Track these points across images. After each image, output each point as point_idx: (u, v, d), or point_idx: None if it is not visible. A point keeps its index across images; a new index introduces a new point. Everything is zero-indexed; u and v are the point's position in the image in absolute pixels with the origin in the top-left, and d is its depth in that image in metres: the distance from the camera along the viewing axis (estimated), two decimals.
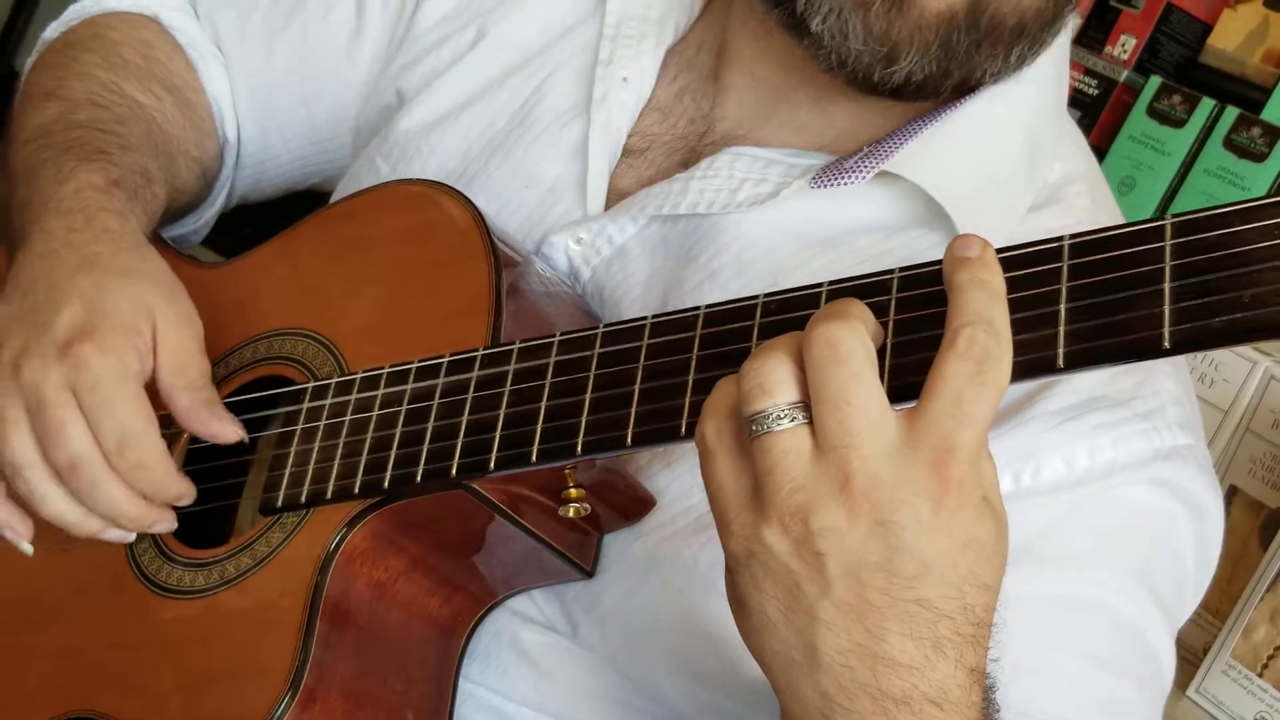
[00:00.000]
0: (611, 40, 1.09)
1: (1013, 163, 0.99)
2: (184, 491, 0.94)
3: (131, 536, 0.95)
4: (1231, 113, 1.65)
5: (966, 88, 0.98)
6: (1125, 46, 1.78)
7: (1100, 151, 1.75)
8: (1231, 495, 1.51)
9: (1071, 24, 1.04)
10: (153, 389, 0.94)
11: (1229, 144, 1.64)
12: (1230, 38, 1.76)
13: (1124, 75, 1.76)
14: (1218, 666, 1.44)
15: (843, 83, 0.97)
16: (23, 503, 0.94)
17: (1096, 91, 1.78)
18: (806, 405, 0.69)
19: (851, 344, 0.67)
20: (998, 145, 0.99)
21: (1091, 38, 1.81)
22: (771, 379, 0.69)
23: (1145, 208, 1.69)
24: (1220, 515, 0.96)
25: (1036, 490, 0.89)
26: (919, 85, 0.95)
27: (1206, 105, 1.67)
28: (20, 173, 1.07)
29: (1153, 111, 1.71)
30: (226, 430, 0.95)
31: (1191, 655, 1.44)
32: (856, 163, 0.96)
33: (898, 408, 0.69)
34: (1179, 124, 1.68)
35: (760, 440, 0.69)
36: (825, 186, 0.96)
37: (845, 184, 0.95)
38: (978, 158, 0.97)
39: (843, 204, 0.97)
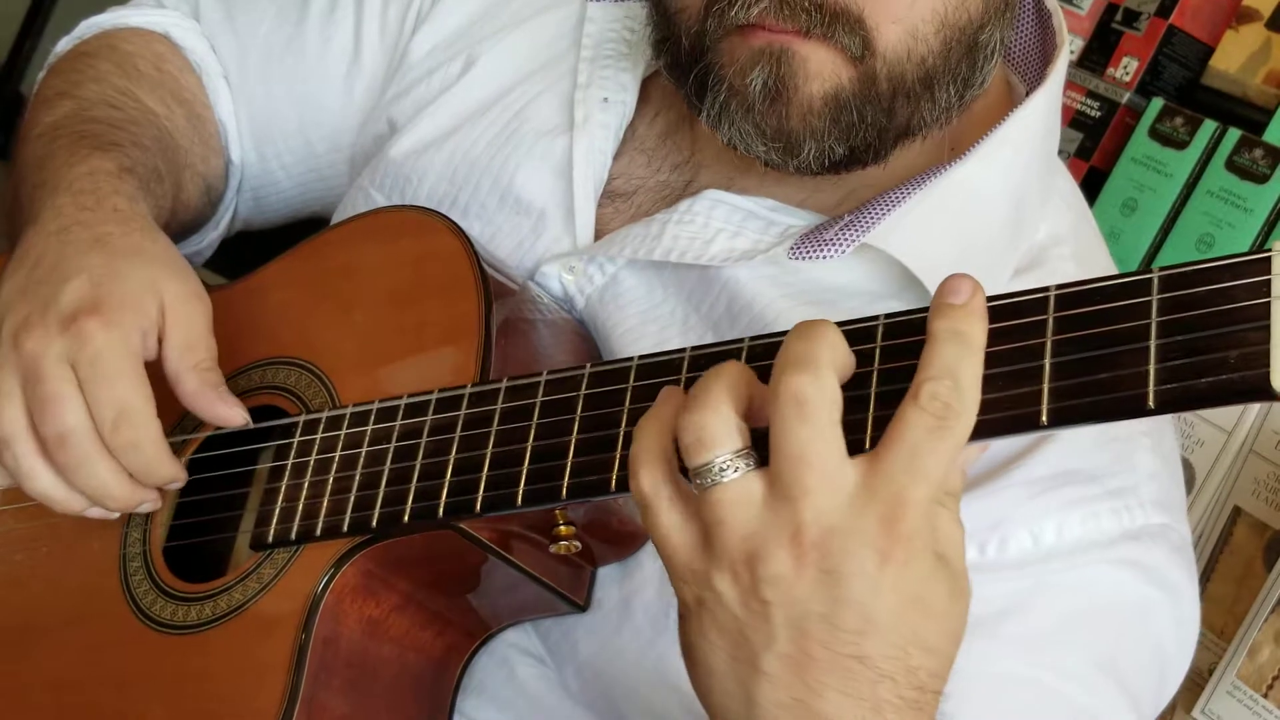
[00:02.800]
0: (590, 63, 1.09)
1: (997, 229, 0.97)
2: (175, 475, 0.93)
3: (114, 515, 0.94)
4: (1234, 135, 1.65)
5: (911, 134, 0.96)
6: (1127, 68, 1.78)
7: (1102, 174, 1.75)
8: (1235, 516, 1.51)
9: (1069, 54, 1.02)
10: (156, 375, 0.93)
11: (1231, 166, 1.64)
12: (1232, 59, 1.76)
13: (1126, 97, 1.76)
14: (1223, 687, 1.43)
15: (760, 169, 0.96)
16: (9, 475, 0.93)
17: (1099, 114, 1.78)
18: (749, 450, 0.69)
19: (818, 401, 0.67)
20: (982, 213, 0.97)
21: (1093, 60, 1.81)
22: (710, 432, 0.69)
23: (1148, 230, 1.69)
24: (1194, 594, 0.94)
25: (1000, 563, 0.87)
26: (846, 159, 0.94)
27: (1209, 127, 1.66)
28: (32, 162, 1.07)
29: (1155, 133, 1.71)
30: (233, 414, 0.94)
31: (1197, 676, 1.44)
32: (837, 234, 0.93)
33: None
34: (1181, 146, 1.68)
35: (707, 493, 0.68)
36: (804, 259, 0.94)
37: (825, 257, 0.93)
38: (960, 227, 0.95)
39: (826, 267, 0.95)
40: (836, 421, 0.67)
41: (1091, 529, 0.88)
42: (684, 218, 1.00)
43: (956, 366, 0.67)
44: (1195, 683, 1.43)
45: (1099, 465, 0.90)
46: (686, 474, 0.70)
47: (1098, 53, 1.81)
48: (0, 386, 0.91)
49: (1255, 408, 1.54)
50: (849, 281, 0.96)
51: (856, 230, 0.93)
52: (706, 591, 0.70)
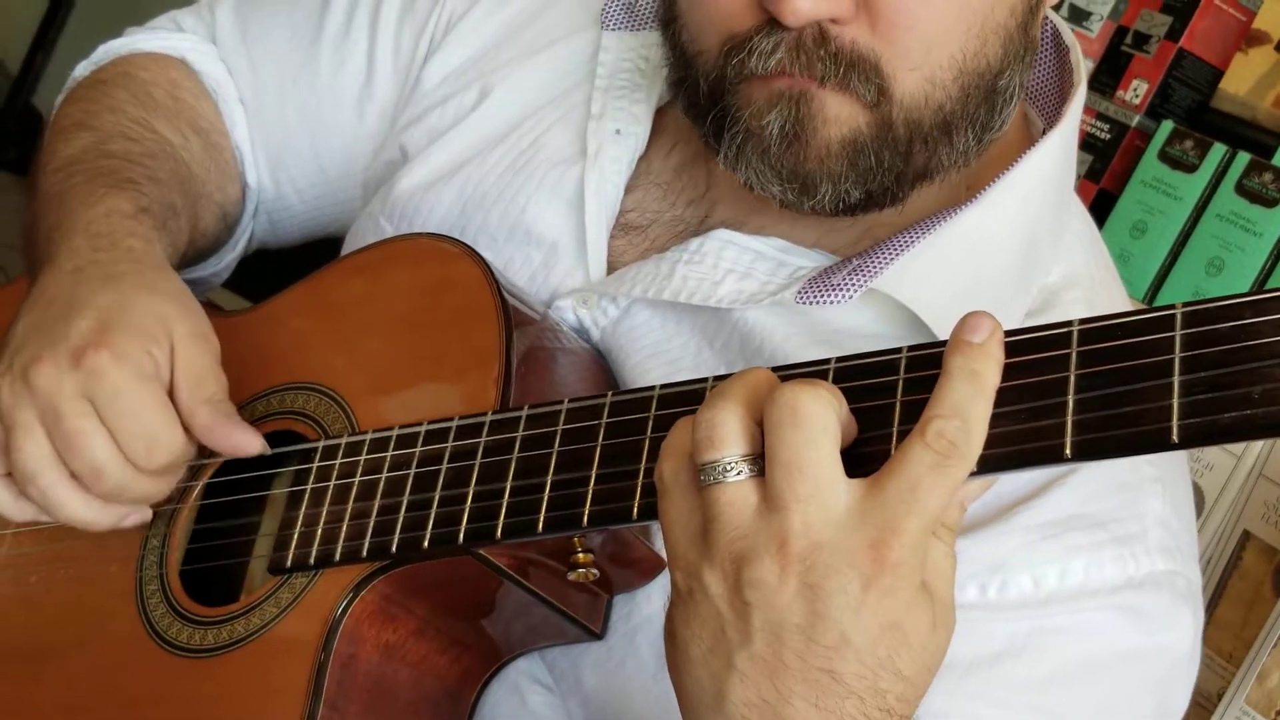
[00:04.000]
0: (603, 93, 1.09)
1: (1004, 274, 0.97)
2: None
3: (149, 514, 0.96)
4: (1243, 158, 1.65)
5: (929, 176, 0.96)
6: (1137, 91, 1.78)
7: (1112, 196, 1.76)
8: (1245, 541, 1.51)
9: (1079, 103, 1.01)
10: None
11: (1241, 189, 1.65)
12: (1242, 82, 1.76)
13: (1136, 120, 1.77)
14: (1232, 713, 1.43)
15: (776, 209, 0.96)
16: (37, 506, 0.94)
17: (1108, 136, 1.79)
18: (755, 457, 0.70)
19: (811, 409, 0.68)
20: (992, 258, 0.96)
21: (1103, 82, 1.81)
22: (720, 432, 0.71)
23: (1157, 253, 1.69)
24: (1196, 642, 0.93)
25: (1001, 605, 0.87)
26: (862, 202, 0.94)
27: (1218, 151, 1.67)
28: (49, 198, 1.08)
29: (1164, 156, 1.71)
30: (251, 441, 0.95)
31: (1206, 701, 1.44)
32: (844, 279, 0.93)
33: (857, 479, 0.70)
34: (1191, 169, 1.68)
35: (709, 490, 0.71)
36: (811, 304, 0.94)
37: (831, 302, 0.93)
38: (967, 272, 0.95)
39: (835, 310, 0.95)
40: (831, 433, 0.69)
41: (1094, 576, 0.88)
42: (693, 257, 0.99)
43: (967, 406, 0.68)
44: (1204, 708, 1.43)
45: (1106, 511, 0.90)
46: None
47: (1108, 75, 1.81)
48: (17, 422, 0.92)
49: None
50: (858, 324, 0.96)
51: (863, 275, 0.93)
52: (695, 582, 0.72)
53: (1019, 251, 0.97)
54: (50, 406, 0.91)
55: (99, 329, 0.92)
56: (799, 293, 0.94)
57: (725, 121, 0.93)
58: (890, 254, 0.94)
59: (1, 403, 0.92)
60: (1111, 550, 0.89)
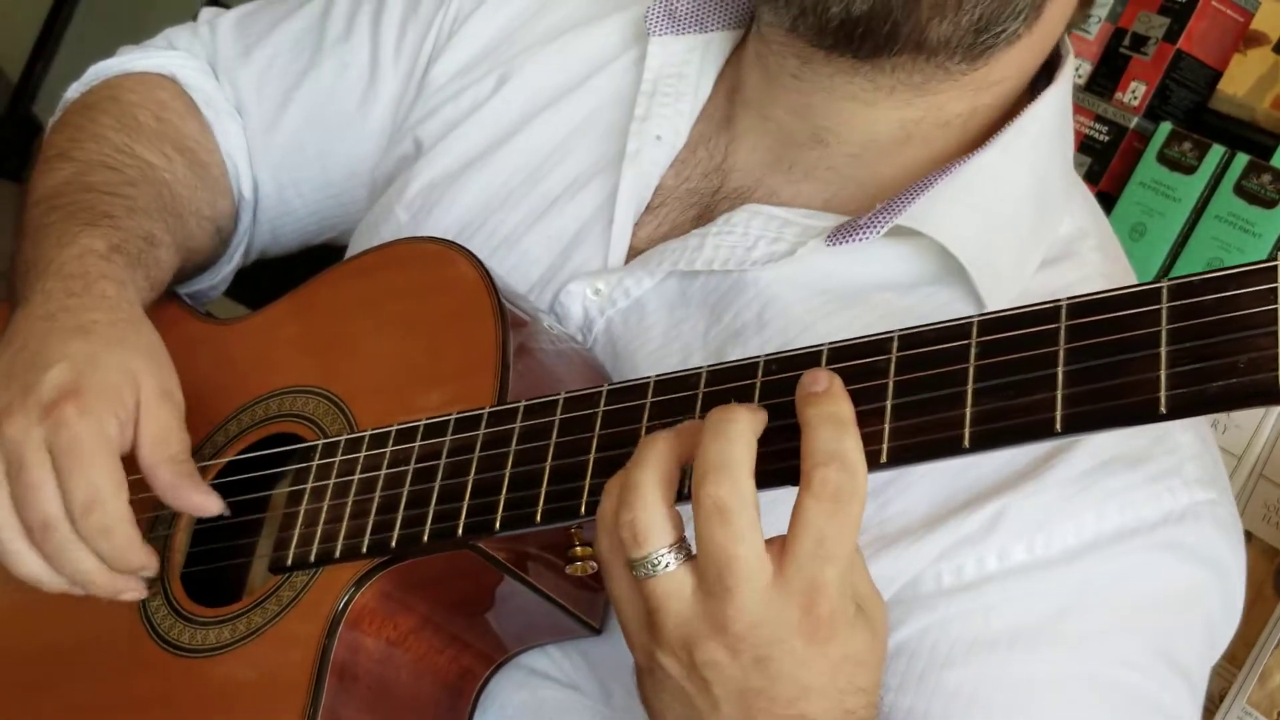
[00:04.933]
0: (649, 97, 1.10)
1: (1024, 214, 0.99)
2: (146, 563, 0.95)
3: (108, 592, 0.96)
4: (1241, 159, 1.66)
5: (923, 53, 0.97)
6: (1135, 93, 1.79)
7: (1111, 198, 1.76)
8: (1245, 541, 1.51)
9: (1075, 72, 1.04)
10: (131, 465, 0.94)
11: (1239, 190, 1.65)
12: (1240, 83, 1.77)
13: (1134, 122, 1.77)
14: (1234, 713, 1.44)
15: (824, 62, 0.98)
16: None
17: (1107, 138, 1.79)
18: (680, 541, 0.74)
19: (736, 508, 0.71)
20: (1008, 197, 0.99)
21: (1101, 84, 1.82)
22: (643, 528, 0.74)
23: (1156, 254, 1.69)
24: (1241, 567, 0.95)
25: (1048, 560, 0.89)
26: (866, 26, 0.94)
27: (1216, 152, 1.67)
28: (29, 232, 1.09)
29: (1163, 158, 1.71)
30: (209, 503, 0.96)
31: (1208, 702, 1.44)
32: (870, 219, 0.96)
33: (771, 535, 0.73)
34: (1189, 170, 1.69)
35: (645, 583, 0.74)
36: (840, 244, 0.96)
37: (860, 239, 0.95)
38: (988, 209, 0.97)
39: (859, 262, 0.97)
40: (754, 522, 0.72)
41: (1130, 517, 0.89)
42: (723, 229, 1.01)
43: (839, 448, 0.71)
44: (1207, 709, 1.43)
45: (1140, 449, 0.91)
46: None
47: (1106, 77, 1.82)
48: None
49: (1265, 431, 1.54)
50: (883, 273, 0.98)
51: (888, 214, 0.95)
52: (653, 662, 0.77)
53: (1032, 194, 1.00)
54: (16, 457, 0.92)
55: (70, 382, 0.93)
56: (829, 237, 0.96)
57: None
58: (911, 196, 0.96)
59: None
60: (1146, 489, 0.90)
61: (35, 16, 3.24)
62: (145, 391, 0.95)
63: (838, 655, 0.74)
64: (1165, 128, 1.72)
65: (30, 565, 0.94)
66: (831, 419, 0.72)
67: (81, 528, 0.92)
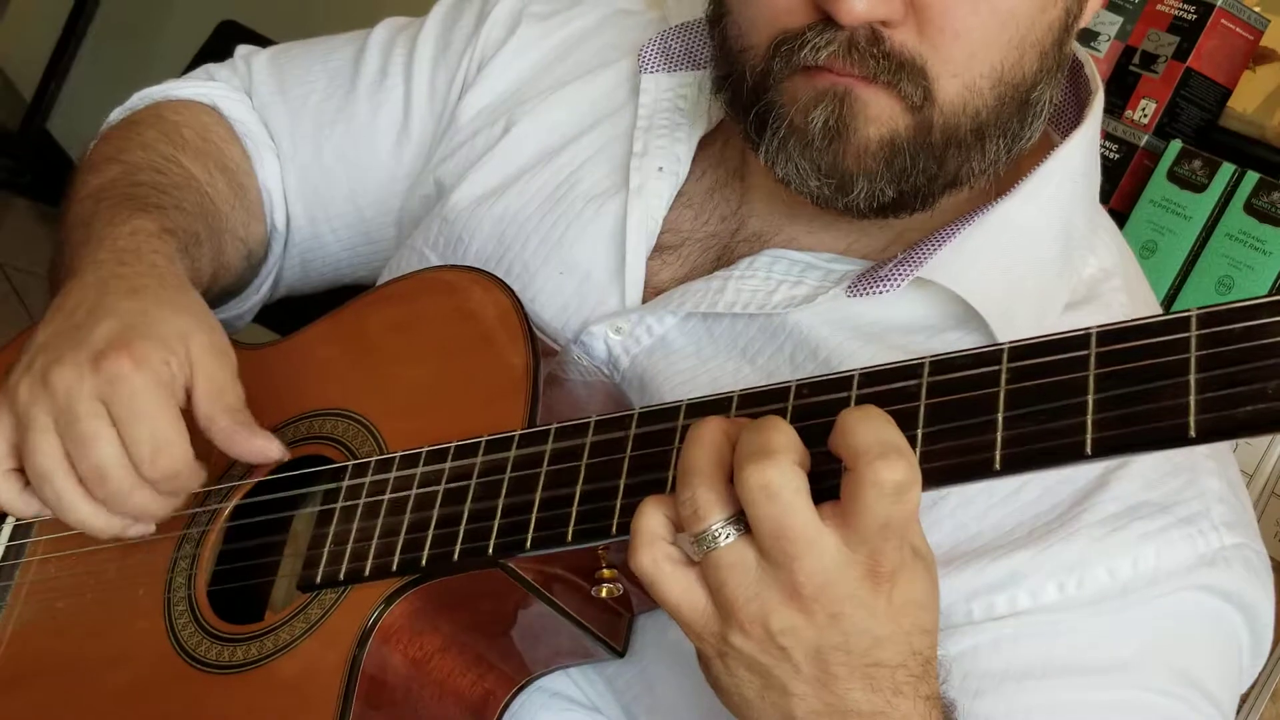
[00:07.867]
0: (645, 131, 1.11)
1: (1047, 262, 1.00)
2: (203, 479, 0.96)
3: (153, 528, 0.97)
4: (1252, 178, 1.66)
5: (959, 184, 0.99)
6: (1145, 111, 1.79)
7: (1121, 216, 1.76)
8: None
9: (1099, 107, 1.04)
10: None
11: (1250, 208, 1.65)
12: (1250, 100, 1.77)
13: (1144, 140, 1.78)
14: None
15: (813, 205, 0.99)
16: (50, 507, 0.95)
17: (1117, 156, 1.79)
18: (737, 515, 0.75)
19: (780, 482, 0.73)
20: (1031, 246, 0.99)
21: (1111, 103, 1.82)
22: (702, 507, 0.75)
23: (1167, 272, 1.70)
24: (1270, 608, 0.96)
25: (1080, 600, 0.90)
26: (894, 203, 0.97)
27: (1227, 170, 1.68)
28: (76, 223, 1.10)
29: (1173, 176, 1.72)
30: (271, 447, 0.96)
31: None
32: (892, 270, 0.96)
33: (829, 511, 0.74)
34: (1200, 189, 1.69)
35: (709, 556, 0.75)
36: (861, 295, 0.97)
37: (881, 293, 0.96)
38: (1011, 259, 0.98)
39: (884, 304, 0.98)
40: (803, 491, 0.73)
41: (1166, 559, 0.90)
42: (745, 273, 1.02)
43: (890, 437, 0.72)
44: None
45: (1169, 494, 0.92)
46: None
47: (1115, 95, 1.82)
48: (34, 422, 0.93)
49: (1277, 449, 1.54)
50: (909, 317, 0.98)
51: (910, 266, 0.96)
52: (725, 646, 0.77)
53: (1057, 240, 1.01)
54: (67, 407, 0.92)
55: (121, 334, 0.93)
56: (849, 288, 0.97)
57: (769, 117, 0.96)
58: (934, 245, 0.97)
59: (20, 401, 0.94)
60: (1179, 531, 0.91)
61: (50, 34, 3.25)
62: (196, 346, 0.96)
63: (901, 601, 0.75)
64: (1175, 145, 1.72)
65: (82, 511, 0.94)
66: (873, 414, 0.73)
67: (149, 474, 0.92)
